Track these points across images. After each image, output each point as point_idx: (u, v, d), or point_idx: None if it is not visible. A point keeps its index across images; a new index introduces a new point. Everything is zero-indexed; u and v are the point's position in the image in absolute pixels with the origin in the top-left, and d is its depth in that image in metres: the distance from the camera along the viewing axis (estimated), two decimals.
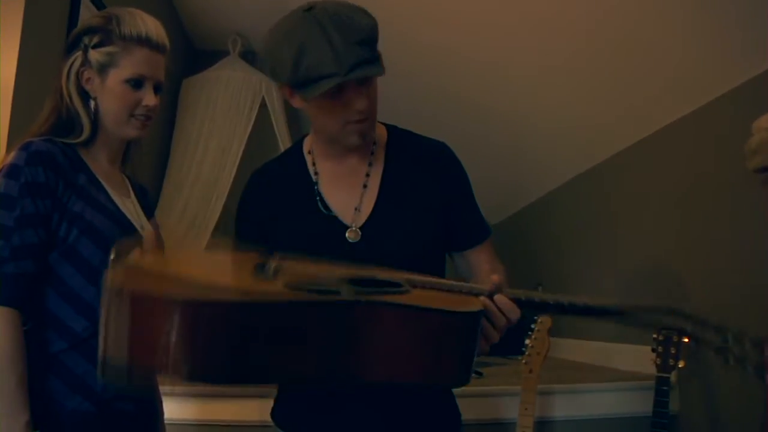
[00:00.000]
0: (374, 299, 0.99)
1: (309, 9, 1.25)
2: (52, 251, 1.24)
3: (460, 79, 3.21)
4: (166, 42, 1.39)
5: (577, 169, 3.16)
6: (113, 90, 1.34)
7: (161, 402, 1.49)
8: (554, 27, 2.42)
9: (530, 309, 1.17)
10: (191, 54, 4.40)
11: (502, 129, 3.28)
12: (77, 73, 1.34)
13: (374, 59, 1.25)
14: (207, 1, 3.89)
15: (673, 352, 1.93)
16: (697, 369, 2.12)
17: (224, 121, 3.85)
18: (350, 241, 1.33)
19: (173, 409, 1.88)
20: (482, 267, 1.43)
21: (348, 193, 1.38)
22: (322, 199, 1.38)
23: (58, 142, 1.29)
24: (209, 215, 3.70)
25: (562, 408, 2.26)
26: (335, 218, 1.35)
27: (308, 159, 1.44)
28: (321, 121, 1.34)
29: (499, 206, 4.00)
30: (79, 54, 1.35)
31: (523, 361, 2.06)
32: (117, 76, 1.34)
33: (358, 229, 1.34)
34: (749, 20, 1.84)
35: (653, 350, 1.94)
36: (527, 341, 2.09)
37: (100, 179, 1.35)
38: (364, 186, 1.39)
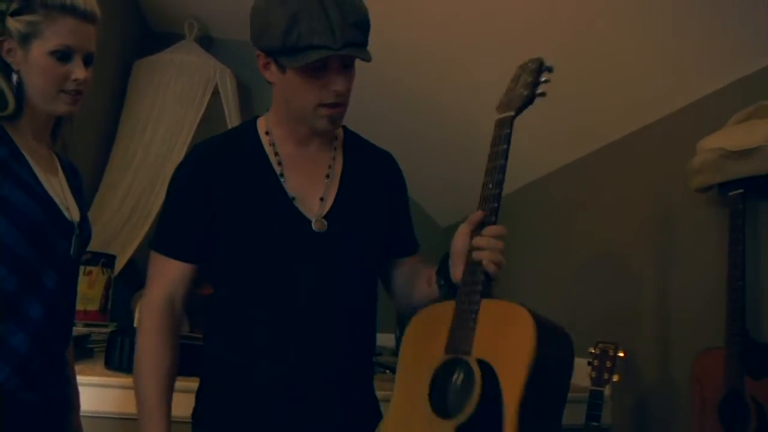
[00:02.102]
0: None
1: None
2: None
3: (417, 75, 3.18)
4: (96, 10, 1.29)
5: (532, 174, 3.15)
6: (38, 63, 1.24)
7: (77, 393, 1.42)
8: (520, 28, 2.41)
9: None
10: (146, 35, 4.28)
11: (462, 130, 3.27)
12: None
13: (364, 45, 1.25)
14: None
15: (608, 365, 1.93)
16: (630, 383, 2.14)
17: (175, 105, 3.76)
18: (316, 231, 1.31)
19: (95, 401, 1.82)
20: (423, 270, 1.43)
21: (311, 182, 1.36)
22: (285, 185, 1.33)
23: None
24: (153, 200, 3.60)
25: None
26: (298, 206, 1.32)
27: (265, 140, 1.38)
28: (293, 98, 1.29)
29: (456, 207, 4.00)
30: None
31: None
32: (41, 48, 1.24)
33: (323, 220, 1.32)
34: (708, 37, 1.86)
35: (589, 363, 1.95)
36: None
37: (25, 154, 1.26)
38: (327, 176, 1.37)
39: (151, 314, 1.32)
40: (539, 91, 1.27)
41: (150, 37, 4.28)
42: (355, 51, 1.23)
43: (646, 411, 2.12)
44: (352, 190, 1.38)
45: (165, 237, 1.36)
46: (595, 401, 1.90)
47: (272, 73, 1.29)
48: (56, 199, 1.28)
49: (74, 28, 1.26)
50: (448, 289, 1.31)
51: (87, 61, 1.30)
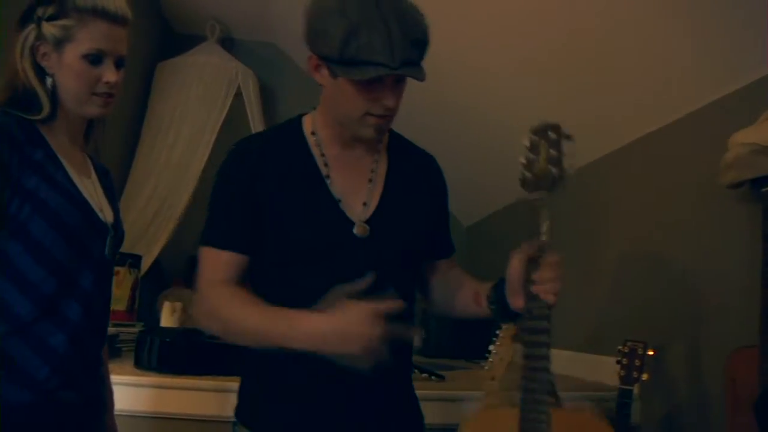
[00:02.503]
0: None
1: None
2: (1, 229, 1.17)
3: (438, 78, 3.17)
4: (127, 13, 1.30)
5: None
6: (71, 66, 1.26)
7: (111, 393, 1.44)
8: (535, 25, 2.40)
9: None
10: (168, 37, 4.32)
11: (480, 129, 3.25)
12: (32, 48, 1.26)
13: (420, 62, 1.23)
14: None
15: (637, 364, 1.92)
16: (660, 382, 2.12)
17: (198, 107, 3.79)
18: (358, 236, 1.30)
19: (127, 400, 1.83)
20: (463, 276, 1.46)
21: (355, 185, 1.35)
22: (330, 187, 1.33)
23: (15, 115, 1.23)
24: (177, 201, 3.63)
25: None
26: (343, 209, 1.32)
27: (311, 140, 1.37)
28: (342, 104, 1.28)
29: (475, 207, 3.98)
30: (32, 27, 1.26)
31: (486, 368, 2.03)
32: (74, 52, 1.25)
33: (365, 224, 1.32)
34: (739, 29, 1.84)
35: (618, 362, 1.93)
36: (491, 347, 2.06)
37: (60, 156, 1.28)
38: (370, 180, 1.37)
39: (210, 290, 1.29)
40: (568, 167, 1.24)
41: (172, 39, 4.32)
42: (412, 71, 1.21)
43: (676, 410, 2.10)
44: (395, 194, 1.38)
45: (215, 230, 1.34)
46: (624, 400, 1.88)
47: (323, 77, 1.27)
48: (90, 201, 1.30)
49: (106, 31, 1.27)
50: (502, 315, 1.32)
51: (118, 64, 1.31)
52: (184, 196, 3.65)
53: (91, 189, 1.33)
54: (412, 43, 1.19)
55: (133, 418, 1.90)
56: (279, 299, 1.28)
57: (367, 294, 1.27)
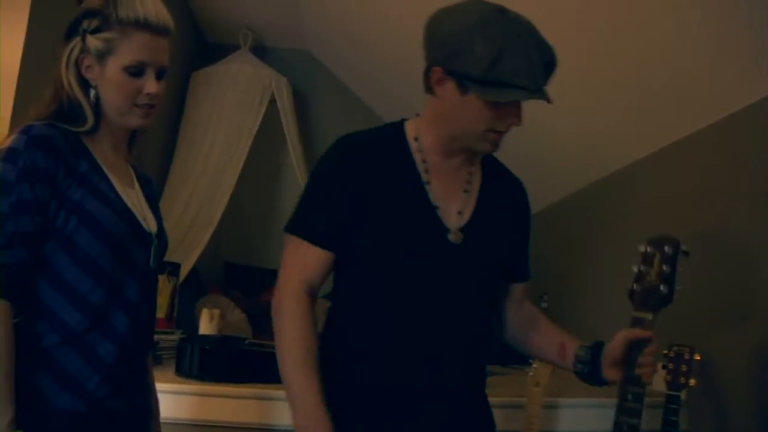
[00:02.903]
0: None
1: (502, 12, 1.24)
2: (49, 240, 1.18)
3: None
4: (169, 23, 1.29)
5: (588, 178, 3.10)
6: (113, 78, 1.26)
7: (157, 401, 1.44)
8: (566, 24, 2.37)
9: None
10: (201, 47, 4.37)
11: (513, 135, 3.23)
12: (76, 61, 1.26)
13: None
14: None
15: (684, 369, 1.88)
16: (708, 388, 2.07)
17: (232, 115, 3.82)
18: (452, 242, 1.33)
19: (169, 407, 1.85)
20: (544, 320, 1.50)
21: (451, 193, 1.38)
22: (429, 193, 1.36)
23: (60, 127, 1.24)
24: (214, 209, 3.67)
25: (568, 422, 2.20)
26: (440, 216, 1.35)
27: (413, 145, 1.39)
28: (463, 119, 1.30)
29: None
30: (77, 40, 1.26)
31: (530, 374, 2.00)
32: (116, 64, 1.25)
33: (459, 232, 1.34)
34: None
35: (664, 367, 1.89)
36: None
37: (103, 167, 1.29)
38: (466, 191, 1.40)
39: (291, 298, 1.32)
40: (679, 288, 1.26)
41: (206, 48, 4.37)
42: (545, 94, 1.26)
43: (725, 416, 2.05)
44: (487, 208, 1.40)
45: (305, 222, 1.36)
46: (671, 406, 1.85)
47: (446, 90, 1.29)
48: (134, 211, 1.30)
49: (148, 43, 1.27)
50: (588, 377, 1.37)
51: (159, 75, 1.31)
52: (220, 203, 3.69)
53: (134, 199, 1.34)
54: (546, 67, 1.24)
55: (176, 425, 1.92)
56: (367, 300, 1.33)
57: (453, 305, 1.33)
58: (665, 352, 1.91)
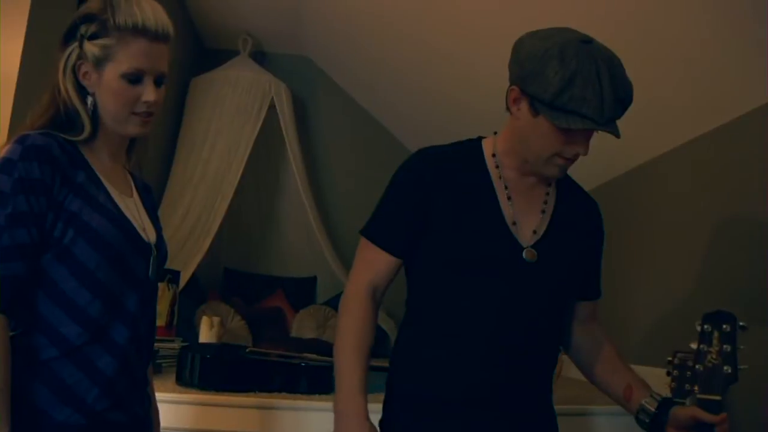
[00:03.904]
0: None
1: (586, 42, 1.27)
2: (46, 252, 1.16)
3: (465, 87, 3.16)
4: (168, 29, 1.26)
5: (598, 179, 3.08)
6: (110, 85, 1.23)
7: (157, 411, 1.43)
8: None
9: None
10: (201, 52, 4.37)
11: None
12: (74, 67, 1.24)
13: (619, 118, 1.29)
14: (218, 0, 3.84)
15: (688, 375, 1.85)
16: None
17: (232, 121, 3.81)
18: (526, 260, 1.36)
19: (169, 417, 1.83)
20: (614, 355, 1.52)
21: (526, 211, 1.41)
22: (504, 210, 1.39)
23: (57, 136, 1.21)
24: (213, 216, 3.66)
25: (572, 430, 2.18)
26: (515, 233, 1.37)
27: (490, 162, 1.43)
28: (532, 141, 1.33)
29: None
30: (75, 46, 1.24)
31: None
32: (114, 71, 1.22)
33: (533, 249, 1.37)
34: None
35: (668, 374, 1.87)
36: None
37: (101, 177, 1.26)
38: (543, 211, 1.43)
39: (356, 297, 1.40)
40: (742, 366, 1.24)
41: (205, 54, 4.36)
42: (613, 128, 1.27)
43: (732, 420, 2.03)
44: (561, 228, 1.43)
45: (379, 228, 1.43)
46: None
47: (520, 110, 1.33)
48: (133, 221, 1.28)
49: (146, 49, 1.23)
50: (647, 427, 1.40)
51: (158, 82, 1.28)
52: (220, 209, 3.67)
53: (133, 209, 1.32)
54: (617, 101, 1.25)
55: None
56: (443, 311, 1.37)
57: (522, 320, 1.35)
58: (669, 358, 1.88)
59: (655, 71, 2.19)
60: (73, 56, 1.24)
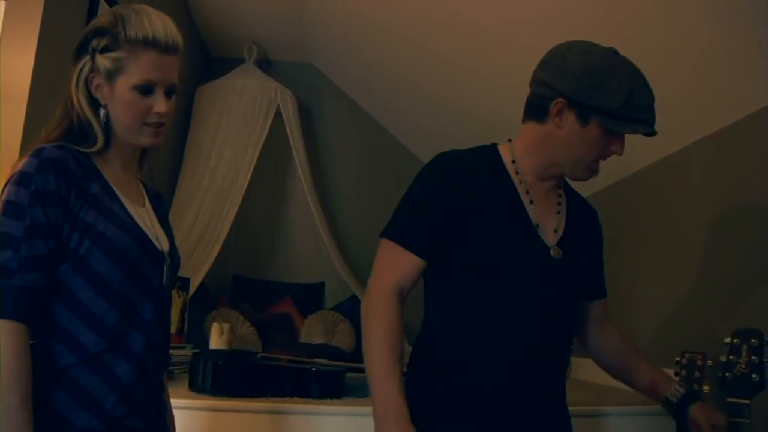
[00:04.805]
0: None
1: (616, 53, 1.38)
2: (63, 263, 1.19)
3: (467, 92, 3.17)
4: (178, 41, 1.29)
5: (601, 183, 3.09)
6: (122, 98, 1.26)
7: (173, 417, 1.45)
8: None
9: None
10: (206, 61, 4.39)
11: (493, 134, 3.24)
12: (86, 80, 1.27)
13: None
14: (223, 9, 3.88)
15: (697, 375, 1.86)
16: (722, 394, 2.06)
17: (238, 129, 3.84)
18: (554, 257, 1.43)
19: (183, 423, 1.85)
20: (634, 351, 1.64)
21: (546, 213, 1.48)
22: (529, 213, 1.45)
23: (71, 149, 1.24)
24: (222, 224, 3.68)
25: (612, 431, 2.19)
26: (540, 234, 1.44)
27: (510, 167, 1.48)
28: (576, 149, 1.41)
29: None
30: (87, 59, 1.27)
31: None
32: (125, 83, 1.25)
33: (558, 248, 1.44)
34: None
35: (676, 374, 1.88)
36: None
37: (114, 187, 1.29)
38: (558, 212, 1.50)
39: (383, 300, 1.40)
40: None
41: (211, 62, 4.39)
42: (655, 129, 1.39)
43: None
44: (574, 228, 1.51)
45: (406, 230, 1.44)
46: None
47: (563, 121, 1.39)
48: (146, 230, 1.31)
49: (156, 61, 1.26)
50: (673, 414, 1.54)
51: (169, 93, 1.31)
52: (228, 216, 3.70)
53: (146, 218, 1.34)
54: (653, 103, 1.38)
55: None
56: (470, 313, 1.40)
57: (548, 317, 1.41)
58: (677, 359, 1.90)
59: (655, 75, 2.19)
60: (86, 69, 1.27)
